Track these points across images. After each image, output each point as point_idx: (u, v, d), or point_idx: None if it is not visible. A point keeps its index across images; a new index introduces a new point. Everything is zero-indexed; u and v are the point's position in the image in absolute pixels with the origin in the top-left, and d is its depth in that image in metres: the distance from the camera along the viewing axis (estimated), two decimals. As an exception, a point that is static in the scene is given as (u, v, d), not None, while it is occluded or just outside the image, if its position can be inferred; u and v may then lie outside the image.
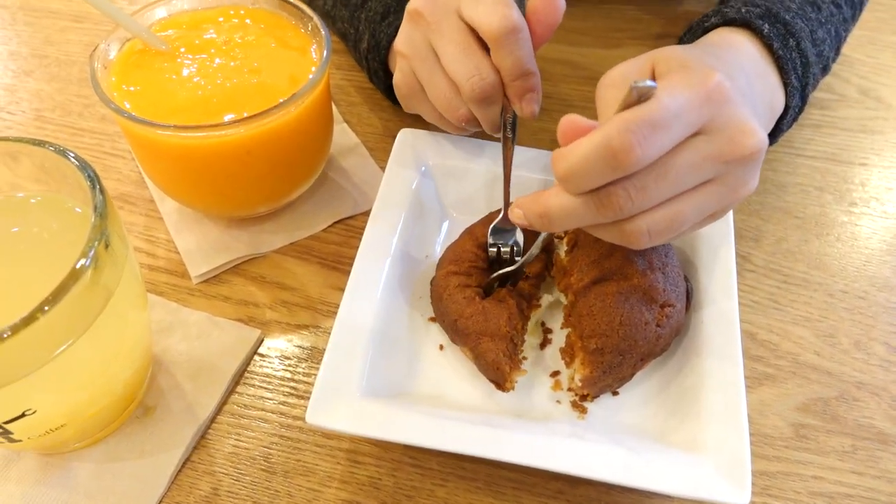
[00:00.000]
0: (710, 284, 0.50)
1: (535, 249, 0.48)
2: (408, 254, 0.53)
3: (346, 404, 0.43)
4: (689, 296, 0.49)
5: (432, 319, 0.52)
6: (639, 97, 0.34)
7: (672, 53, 0.40)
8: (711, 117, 0.36)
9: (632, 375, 0.47)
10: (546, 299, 0.53)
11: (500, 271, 0.50)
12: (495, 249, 0.51)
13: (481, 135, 0.57)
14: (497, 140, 0.56)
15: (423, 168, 0.57)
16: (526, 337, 0.50)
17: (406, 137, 0.58)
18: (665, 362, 0.49)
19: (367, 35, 0.61)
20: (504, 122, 0.51)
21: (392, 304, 0.50)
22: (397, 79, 0.53)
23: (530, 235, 0.53)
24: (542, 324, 0.52)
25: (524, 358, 0.49)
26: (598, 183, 0.36)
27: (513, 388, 0.46)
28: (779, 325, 0.55)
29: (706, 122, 0.36)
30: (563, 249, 0.51)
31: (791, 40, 0.52)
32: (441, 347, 0.51)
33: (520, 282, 0.51)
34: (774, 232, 0.61)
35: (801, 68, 0.53)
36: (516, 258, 0.52)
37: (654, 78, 0.40)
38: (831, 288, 0.57)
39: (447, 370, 0.50)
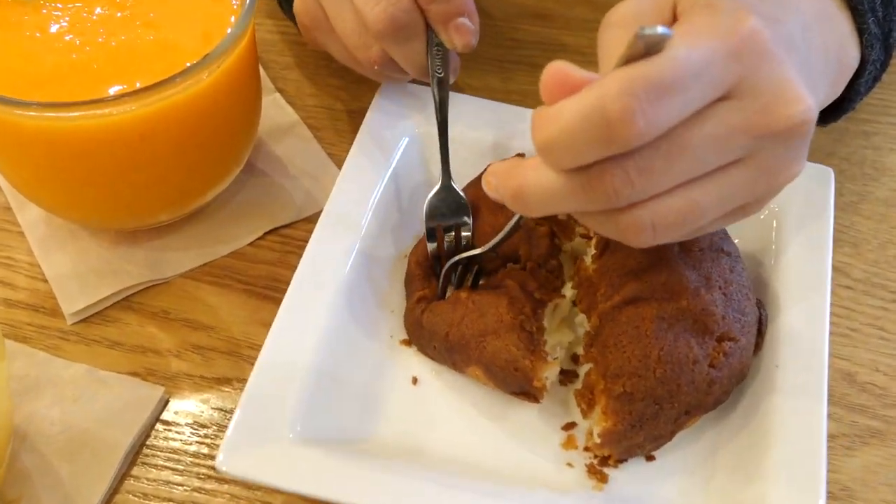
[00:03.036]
0: (790, 309, 0.51)
1: (505, 232, 0.49)
2: (378, 254, 0.55)
3: (273, 450, 0.45)
4: (762, 328, 0.50)
5: (405, 342, 0.53)
6: (647, 48, 0.34)
7: None
8: (743, 77, 0.37)
9: (672, 434, 0.48)
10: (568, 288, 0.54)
11: (459, 256, 0.52)
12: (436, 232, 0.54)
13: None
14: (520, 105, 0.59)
15: (408, 138, 0.58)
16: (546, 324, 0.51)
17: (389, 93, 0.59)
18: (720, 419, 0.50)
19: None
20: (431, 58, 0.54)
21: (348, 320, 0.51)
22: (297, 5, 0.55)
23: (487, 211, 0.54)
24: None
25: (545, 351, 0.50)
26: (588, 159, 0.37)
27: (546, 389, 0.48)
28: (886, 360, 0.56)
29: (735, 82, 0.37)
30: (589, 254, 0.52)
31: None
32: (415, 381, 0.52)
33: (510, 265, 0.52)
34: (878, 233, 0.62)
35: (881, 8, 0.54)
36: (464, 234, 0.54)
37: (675, 19, 0.41)
38: (957, 309, 0.58)
39: (422, 411, 0.51)
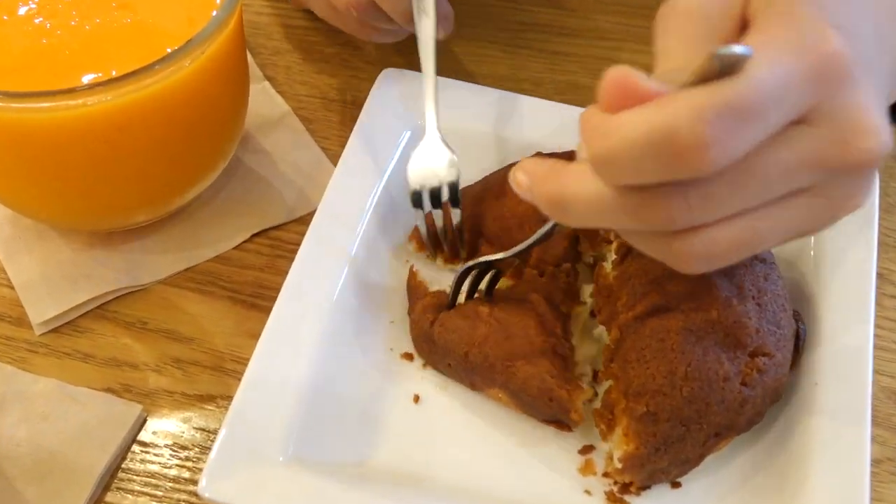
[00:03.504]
0: (830, 321, 0.51)
1: (535, 238, 0.49)
2: (377, 259, 0.55)
3: (261, 474, 0.45)
4: (800, 342, 0.51)
5: (407, 356, 0.54)
6: (722, 68, 0.35)
7: None
8: (820, 101, 0.37)
9: (700, 458, 0.48)
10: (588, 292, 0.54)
11: (475, 261, 0.52)
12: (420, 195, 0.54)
13: (480, 75, 0.58)
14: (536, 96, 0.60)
15: (410, 131, 0.59)
16: (575, 341, 0.52)
17: (389, 81, 0.60)
18: (753, 442, 0.50)
19: None
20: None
21: (344, 331, 0.52)
22: None
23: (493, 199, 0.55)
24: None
25: (581, 374, 0.51)
26: (647, 180, 0.37)
27: (582, 420, 0.48)
28: (937, 379, 0.56)
29: (813, 106, 0.38)
30: (609, 260, 0.53)
31: None
32: (417, 399, 0.52)
33: (527, 269, 0.53)
34: (927, 237, 0.62)
35: None
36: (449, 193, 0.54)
37: (743, 16, 0.41)
38: None
39: (425, 432, 0.51)
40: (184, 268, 0.59)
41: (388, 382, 0.53)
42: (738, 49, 0.34)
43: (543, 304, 0.49)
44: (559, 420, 0.49)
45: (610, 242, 0.53)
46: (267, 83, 0.69)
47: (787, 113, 0.37)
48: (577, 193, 0.39)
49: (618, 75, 0.37)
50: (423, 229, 0.55)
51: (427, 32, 0.56)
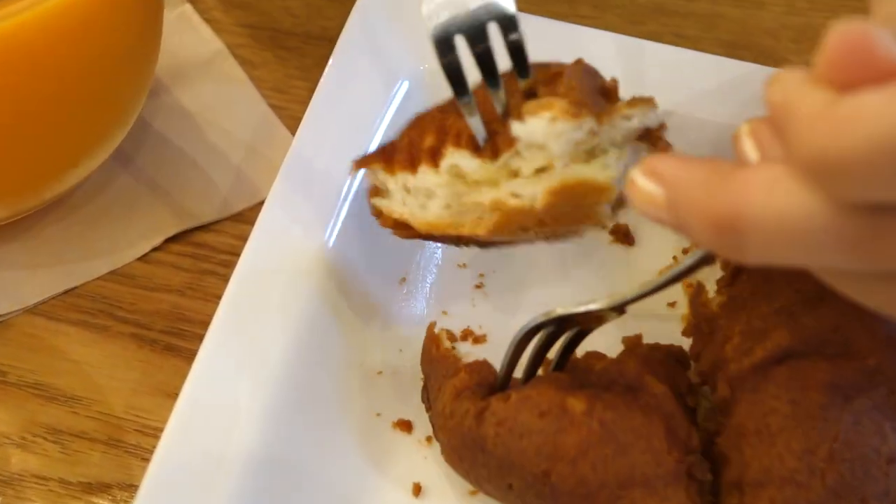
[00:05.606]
0: None
1: (675, 274, 0.46)
2: (357, 278, 0.56)
3: None
4: None
5: (402, 426, 0.54)
6: None
7: None
8: None
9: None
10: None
11: (551, 314, 0.49)
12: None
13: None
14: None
15: (409, 81, 0.60)
16: None
17: (375, 10, 0.60)
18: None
19: None
20: None
21: (307, 388, 0.52)
22: None
23: None
24: None
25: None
26: (892, 197, 0.36)
27: None
28: None
29: None
30: (712, 280, 0.53)
31: None
32: (417, 490, 0.53)
33: (624, 338, 0.52)
34: None
35: None
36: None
37: None
38: None
39: None
40: (63, 290, 0.60)
41: (375, 464, 0.53)
42: None
43: (670, 401, 0.48)
44: None
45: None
46: (189, 6, 0.69)
47: None
48: (766, 213, 0.38)
49: (849, 36, 0.36)
50: (469, 117, 0.47)
51: None
